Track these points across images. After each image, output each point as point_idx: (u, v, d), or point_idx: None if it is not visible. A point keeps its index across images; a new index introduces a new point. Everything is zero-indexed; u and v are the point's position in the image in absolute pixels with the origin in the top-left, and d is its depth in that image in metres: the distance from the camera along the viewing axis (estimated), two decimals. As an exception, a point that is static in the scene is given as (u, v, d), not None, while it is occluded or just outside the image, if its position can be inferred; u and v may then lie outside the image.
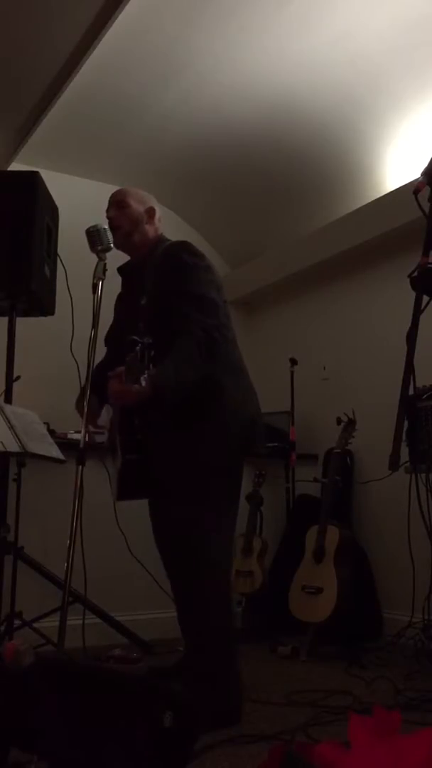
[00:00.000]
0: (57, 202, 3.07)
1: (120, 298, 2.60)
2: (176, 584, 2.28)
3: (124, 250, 2.49)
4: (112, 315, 2.61)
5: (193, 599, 2.21)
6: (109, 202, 2.50)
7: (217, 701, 2.05)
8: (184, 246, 2.39)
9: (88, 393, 2.28)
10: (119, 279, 2.58)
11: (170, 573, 2.30)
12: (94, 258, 2.38)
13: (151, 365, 2.00)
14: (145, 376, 1.97)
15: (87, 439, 2.24)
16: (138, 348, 1.98)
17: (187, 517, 2.18)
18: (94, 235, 2.38)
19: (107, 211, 2.48)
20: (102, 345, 2.46)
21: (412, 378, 1.99)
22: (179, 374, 2.12)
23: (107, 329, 2.60)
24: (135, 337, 2.05)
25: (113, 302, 2.62)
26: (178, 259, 2.33)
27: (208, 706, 1.97)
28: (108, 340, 2.57)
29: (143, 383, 1.96)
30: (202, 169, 4.08)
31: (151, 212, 2.48)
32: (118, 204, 2.46)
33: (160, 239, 2.48)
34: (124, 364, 1.99)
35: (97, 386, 2.28)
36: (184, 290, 2.25)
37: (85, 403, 2.26)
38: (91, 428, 2.45)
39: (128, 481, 2.27)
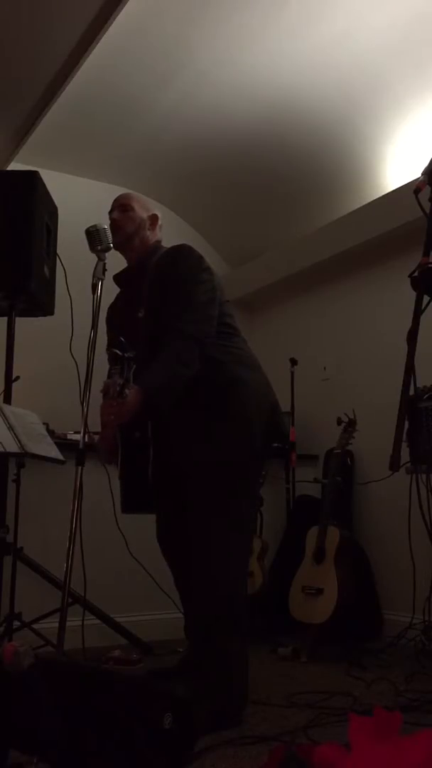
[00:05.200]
0: (56, 202, 3.06)
1: (114, 310, 2.57)
2: (195, 582, 2.23)
3: (122, 252, 2.48)
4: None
5: (212, 598, 2.15)
6: (114, 204, 2.50)
7: (219, 703, 2.04)
8: (180, 249, 2.40)
9: (85, 404, 2.27)
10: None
11: (188, 573, 2.27)
12: (93, 258, 2.38)
13: (131, 380, 2.02)
14: (127, 391, 1.99)
15: (87, 439, 2.23)
16: (117, 364, 2.01)
17: (211, 518, 2.15)
18: (93, 235, 2.37)
19: (111, 212, 2.48)
20: (101, 346, 2.44)
21: (412, 378, 1.99)
22: (167, 374, 2.13)
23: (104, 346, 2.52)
24: (116, 351, 2.07)
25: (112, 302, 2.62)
26: (175, 262, 2.34)
27: (209, 707, 1.97)
28: None
29: (126, 395, 1.99)
30: (202, 168, 4.08)
31: (153, 219, 2.49)
32: (122, 207, 2.47)
33: (158, 247, 2.48)
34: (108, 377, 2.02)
35: None
36: (177, 291, 2.25)
37: (83, 403, 2.25)
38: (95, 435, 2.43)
39: (132, 493, 2.25)
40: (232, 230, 4.59)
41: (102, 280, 2.34)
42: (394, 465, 1.83)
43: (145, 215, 2.47)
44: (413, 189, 2.11)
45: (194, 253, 2.37)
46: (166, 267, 2.35)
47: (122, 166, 4.11)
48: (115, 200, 2.51)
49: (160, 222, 2.51)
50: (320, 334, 4.25)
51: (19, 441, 2.36)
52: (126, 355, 2.05)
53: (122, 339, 2.17)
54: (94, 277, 2.34)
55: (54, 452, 2.59)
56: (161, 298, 2.29)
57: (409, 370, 1.95)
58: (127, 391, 2.01)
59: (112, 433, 2.35)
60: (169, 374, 2.13)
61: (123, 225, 2.43)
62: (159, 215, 2.52)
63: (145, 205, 2.51)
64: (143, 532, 2.49)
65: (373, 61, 3.16)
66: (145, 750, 1.47)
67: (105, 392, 2.10)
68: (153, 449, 2.18)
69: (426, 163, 2.15)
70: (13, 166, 3.74)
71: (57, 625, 2.12)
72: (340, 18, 2.94)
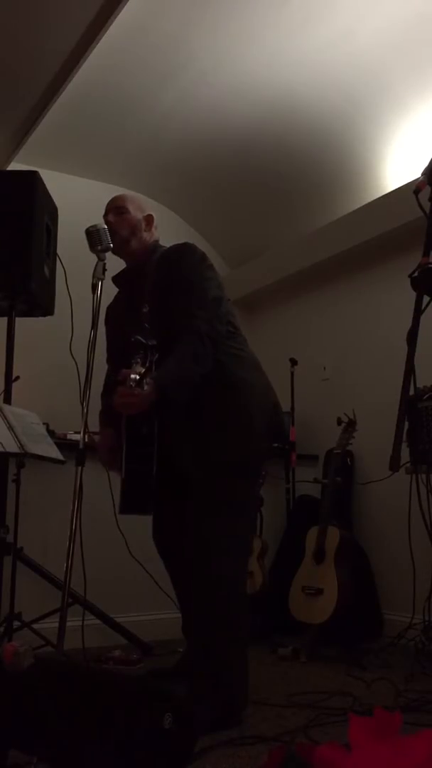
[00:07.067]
0: (57, 202, 3.06)
1: (113, 310, 2.57)
2: (195, 582, 2.22)
3: (120, 256, 2.48)
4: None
5: (212, 598, 2.15)
6: (108, 207, 2.49)
7: (219, 703, 2.04)
8: (184, 246, 2.40)
9: (85, 404, 2.27)
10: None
11: (187, 573, 2.26)
12: (93, 258, 2.38)
13: (153, 368, 2.00)
14: (148, 379, 1.98)
15: (87, 439, 2.23)
16: (141, 352, 1.99)
17: (211, 518, 2.16)
18: (93, 235, 2.37)
19: (106, 215, 2.47)
20: (101, 346, 2.44)
21: (412, 378, 1.99)
22: (183, 371, 2.12)
23: (104, 347, 2.53)
24: (139, 338, 2.05)
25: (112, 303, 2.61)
26: (180, 260, 2.34)
27: (209, 707, 1.97)
28: (111, 357, 2.53)
29: (145, 387, 1.97)
30: (202, 168, 4.08)
31: (149, 219, 2.48)
32: (117, 210, 2.46)
33: (156, 246, 2.47)
34: (130, 366, 1.99)
35: (110, 415, 2.26)
36: (186, 288, 2.25)
37: (83, 403, 2.25)
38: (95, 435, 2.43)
39: (132, 493, 2.24)
40: (232, 230, 4.58)
41: (102, 280, 2.34)
42: (394, 465, 1.83)
43: (140, 216, 2.46)
44: (413, 189, 2.11)
45: (198, 251, 2.37)
46: (170, 264, 2.34)
47: (122, 166, 4.11)
48: (109, 203, 2.50)
49: (156, 221, 2.51)
50: (320, 334, 4.25)
51: (19, 441, 2.35)
52: (150, 343, 2.04)
53: (146, 325, 2.16)
54: (94, 277, 2.34)
55: (54, 452, 2.59)
56: (167, 295, 2.29)
57: (409, 370, 1.95)
58: (146, 380, 1.99)
59: (111, 434, 2.35)
60: (184, 371, 2.12)
61: (118, 229, 2.41)
62: (154, 215, 2.51)
63: (140, 206, 2.50)
64: (143, 532, 2.49)
65: (373, 61, 3.16)
66: (144, 750, 1.47)
67: (122, 381, 2.07)
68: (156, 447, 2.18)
69: (426, 163, 2.15)
70: (13, 166, 3.75)
71: (57, 625, 2.12)
72: (340, 18, 2.94)
